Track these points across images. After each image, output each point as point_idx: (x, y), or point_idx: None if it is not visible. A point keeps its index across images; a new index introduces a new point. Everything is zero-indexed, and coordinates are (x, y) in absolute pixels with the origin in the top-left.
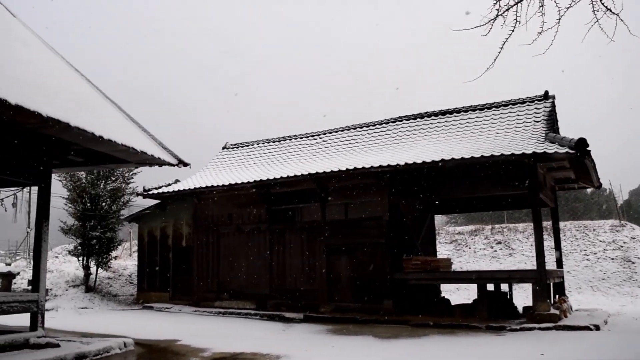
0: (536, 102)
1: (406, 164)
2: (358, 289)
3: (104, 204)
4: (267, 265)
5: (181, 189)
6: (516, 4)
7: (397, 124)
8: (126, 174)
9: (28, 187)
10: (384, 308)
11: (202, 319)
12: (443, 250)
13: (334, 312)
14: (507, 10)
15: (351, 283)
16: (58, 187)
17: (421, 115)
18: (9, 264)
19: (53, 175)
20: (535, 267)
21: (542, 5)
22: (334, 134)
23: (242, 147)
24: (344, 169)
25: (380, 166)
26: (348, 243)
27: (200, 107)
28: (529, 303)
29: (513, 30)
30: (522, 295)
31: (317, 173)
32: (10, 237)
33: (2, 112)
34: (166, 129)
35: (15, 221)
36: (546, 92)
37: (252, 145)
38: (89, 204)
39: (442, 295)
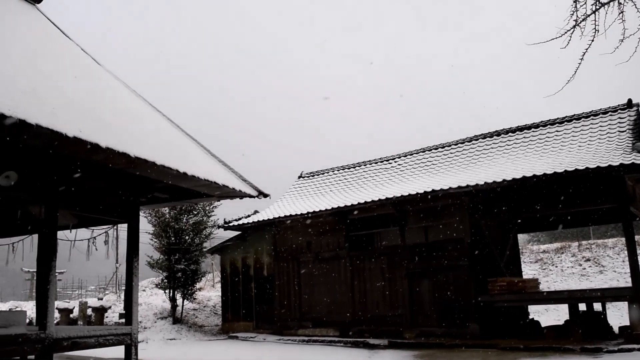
0: (619, 111)
1: (486, 183)
2: (442, 312)
3: (187, 237)
4: (348, 292)
5: (260, 219)
6: (593, 12)
7: (473, 143)
8: (207, 208)
9: (117, 225)
10: (469, 332)
11: (286, 348)
12: (528, 270)
13: (418, 337)
14: (584, 19)
15: (435, 307)
16: (144, 223)
17: (497, 133)
18: (101, 299)
19: (140, 212)
20: (630, 284)
21: (621, 12)
22: (408, 157)
23: (317, 175)
24: (421, 192)
25: (459, 187)
26: (429, 266)
27: (272, 131)
28: (625, 322)
29: (593, 40)
30: (617, 315)
31: (394, 197)
32: (100, 272)
33: (94, 154)
34: (235, 155)
35: (107, 257)
36: (629, 101)
37: (328, 172)
38: (173, 238)
39: (531, 317)
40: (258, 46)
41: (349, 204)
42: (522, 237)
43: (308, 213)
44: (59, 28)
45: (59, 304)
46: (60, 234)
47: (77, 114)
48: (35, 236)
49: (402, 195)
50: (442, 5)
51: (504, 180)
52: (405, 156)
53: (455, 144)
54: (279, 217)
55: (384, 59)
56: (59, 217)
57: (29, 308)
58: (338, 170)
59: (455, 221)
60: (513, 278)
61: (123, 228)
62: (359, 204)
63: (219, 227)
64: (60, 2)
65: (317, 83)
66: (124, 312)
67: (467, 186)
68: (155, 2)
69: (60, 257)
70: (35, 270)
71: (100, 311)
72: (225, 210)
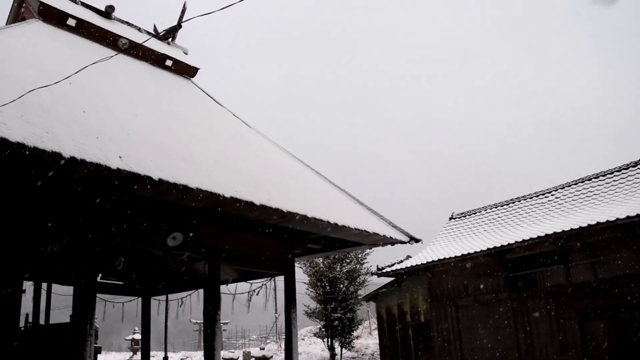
0: None
1: None
2: (622, 357)
3: (341, 285)
4: (511, 337)
5: (414, 264)
6: None
7: (639, 168)
8: (359, 255)
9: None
10: None
11: None
12: None
13: None
14: None
15: (613, 351)
16: (299, 273)
17: None
18: (263, 348)
19: (295, 263)
20: None
21: None
22: (566, 189)
23: (469, 215)
24: (584, 225)
25: (628, 217)
26: (602, 306)
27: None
28: None
29: None
30: None
31: (555, 233)
32: (261, 322)
33: (249, 212)
34: (380, 199)
35: (266, 309)
36: None
37: (479, 212)
38: (328, 287)
39: None
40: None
41: (505, 243)
42: None
43: (463, 255)
44: (211, 97)
45: (224, 353)
46: (223, 287)
47: (231, 175)
48: (201, 291)
49: (563, 231)
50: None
51: None
52: (562, 188)
53: (619, 171)
54: (433, 261)
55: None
56: (221, 273)
57: (198, 358)
58: (490, 209)
59: (628, 255)
60: None
61: (280, 279)
62: (516, 242)
63: (372, 274)
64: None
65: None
66: None
67: (637, 216)
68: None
69: (223, 309)
70: (202, 322)
71: None
72: (377, 257)
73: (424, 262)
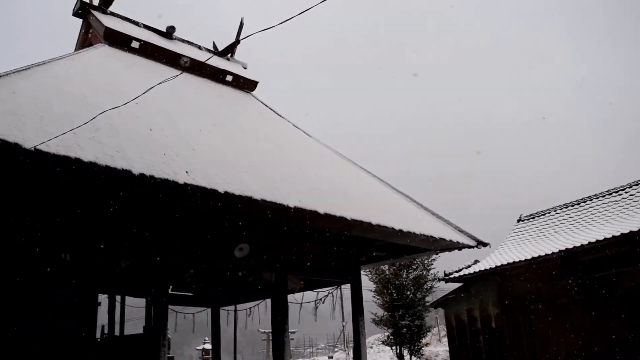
0: None
1: None
2: None
3: (408, 292)
4: (588, 343)
5: (482, 269)
6: None
7: None
8: (426, 261)
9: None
10: None
11: None
12: None
13: None
14: None
15: None
16: (365, 281)
17: None
18: (331, 357)
19: (360, 271)
20: None
21: None
22: None
23: (537, 217)
24: None
25: None
26: None
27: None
28: None
29: None
30: None
31: (630, 232)
32: (328, 330)
33: (314, 221)
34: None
35: (333, 318)
36: None
37: (549, 213)
38: (395, 294)
39: None
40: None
41: (578, 244)
42: None
43: (533, 258)
44: (271, 109)
45: None
46: (290, 297)
47: (295, 185)
48: (268, 300)
49: (639, 230)
50: None
51: None
52: (637, 185)
53: None
54: (502, 265)
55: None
56: (287, 282)
57: None
58: (560, 209)
59: None
60: None
61: (346, 287)
62: (589, 243)
63: (439, 280)
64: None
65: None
66: None
67: None
68: None
69: (291, 318)
70: (270, 331)
71: None
72: (444, 262)
73: (493, 266)
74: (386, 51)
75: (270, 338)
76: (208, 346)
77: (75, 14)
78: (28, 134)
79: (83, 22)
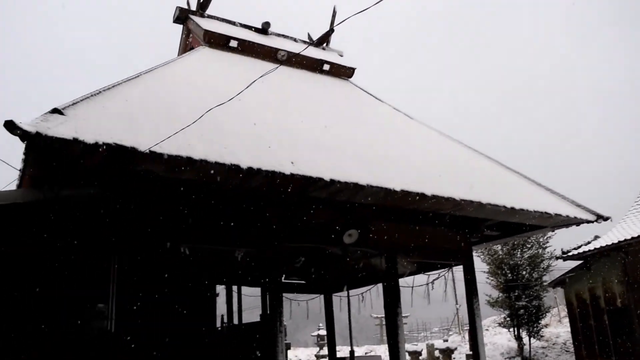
0: None
1: None
2: None
3: (524, 272)
4: None
5: (603, 244)
6: None
7: None
8: (541, 239)
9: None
10: None
11: None
12: None
13: None
14: None
15: None
16: (477, 262)
17: None
18: (446, 340)
19: (472, 252)
20: None
21: None
22: None
23: None
24: None
25: None
26: None
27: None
28: None
29: None
30: None
31: None
32: (441, 314)
33: (421, 203)
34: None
35: (445, 300)
36: None
37: None
38: (509, 275)
39: None
40: None
41: None
42: None
43: None
44: (371, 94)
45: (408, 346)
46: (401, 281)
47: (400, 168)
48: (380, 285)
49: None
50: None
51: None
52: None
53: None
54: (626, 240)
55: None
56: (398, 266)
57: (382, 351)
58: None
59: None
60: None
61: (458, 269)
62: None
63: (556, 258)
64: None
65: None
66: (470, 352)
67: None
68: None
69: (402, 302)
70: (382, 316)
71: (447, 353)
72: (560, 240)
73: (616, 241)
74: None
75: (383, 323)
76: (322, 332)
77: (176, 20)
78: (142, 138)
79: (183, 27)
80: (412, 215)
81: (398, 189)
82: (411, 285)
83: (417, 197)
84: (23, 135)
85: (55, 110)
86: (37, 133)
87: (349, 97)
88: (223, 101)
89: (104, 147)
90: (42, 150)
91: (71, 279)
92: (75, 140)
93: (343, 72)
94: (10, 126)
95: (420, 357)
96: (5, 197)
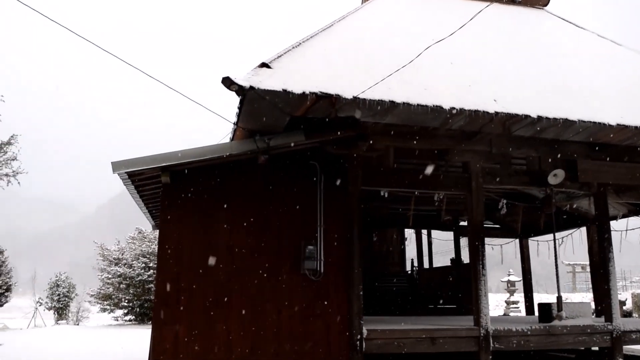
0: None
1: None
2: None
3: None
4: None
5: None
6: None
7: None
8: None
9: None
10: None
11: None
12: None
13: None
14: None
15: None
16: None
17: None
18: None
19: None
20: None
21: None
22: None
23: None
24: None
25: None
26: None
27: None
28: None
29: None
30: None
31: None
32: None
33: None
34: None
35: None
36: None
37: None
38: None
39: None
40: None
41: None
42: None
43: None
44: (571, 22)
45: None
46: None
47: (611, 101)
48: (579, 230)
49: None
50: None
51: None
52: None
53: None
54: None
55: None
56: (609, 208)
57: (578, 299)
58: None
59: None
60: None
61: None
62: None
63: None
64: None
65: None
66: None
67: None
68: None
69: None
70: (574, 263)
71: (619, 305)
72: None
73: None
74: None
75: (576, 270)
76: (512, 277)
77: None
78: (343, 85)
79: None
80: (626, 152)
81: (613, 123)
82: (622, 229)
83: (635, 132)
84: (239, 89)
85: (264, 65)
86: (251, 87)
87: (546, 27)
88: (416, 44)
89: (312, 95)
90: (254, 102)
91: None
92: (284, 91)
93: (538, 1)
94: (228, 82)
95: (624, 307)
96: (221, 149)
